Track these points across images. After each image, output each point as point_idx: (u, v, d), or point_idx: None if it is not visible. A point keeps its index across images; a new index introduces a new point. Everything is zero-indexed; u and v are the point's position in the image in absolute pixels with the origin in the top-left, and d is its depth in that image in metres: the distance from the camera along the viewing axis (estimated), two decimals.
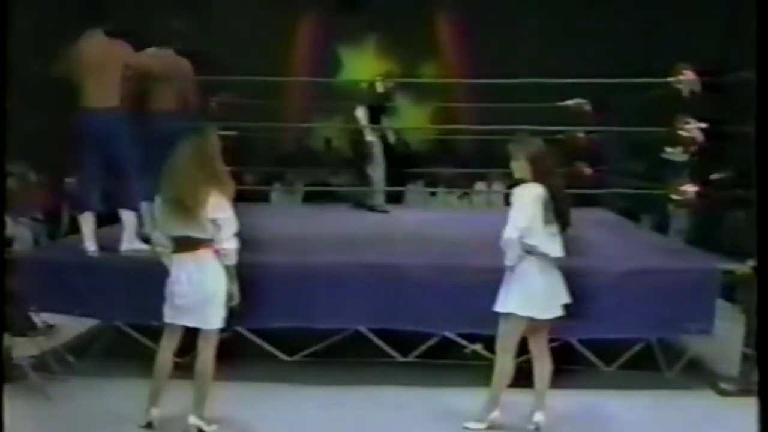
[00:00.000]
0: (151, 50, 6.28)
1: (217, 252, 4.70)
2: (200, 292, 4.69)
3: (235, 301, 4.81)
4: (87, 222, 6.03)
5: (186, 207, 4.64)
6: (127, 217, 6.01)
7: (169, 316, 4.79)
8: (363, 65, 12.65)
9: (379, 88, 8.98)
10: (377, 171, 8.83)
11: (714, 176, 7.10)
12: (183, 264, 4.71)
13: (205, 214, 4.64)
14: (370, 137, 8.77)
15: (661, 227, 9.34)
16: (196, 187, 4.64)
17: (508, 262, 4.78)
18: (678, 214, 9.15)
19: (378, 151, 8.82)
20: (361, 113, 8.73)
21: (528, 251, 4.74)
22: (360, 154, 8.98)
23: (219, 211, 4.67)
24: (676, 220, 9.24)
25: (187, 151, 4.73)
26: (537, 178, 4.78)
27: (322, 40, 12.85)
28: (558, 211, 4.76)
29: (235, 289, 4.79)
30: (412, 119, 12.45)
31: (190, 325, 4.76)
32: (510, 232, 4.71)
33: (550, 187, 4.76)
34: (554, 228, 4.78)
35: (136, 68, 6.05)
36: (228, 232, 4.70)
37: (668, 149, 9.14)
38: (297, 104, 12.09)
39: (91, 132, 5.91)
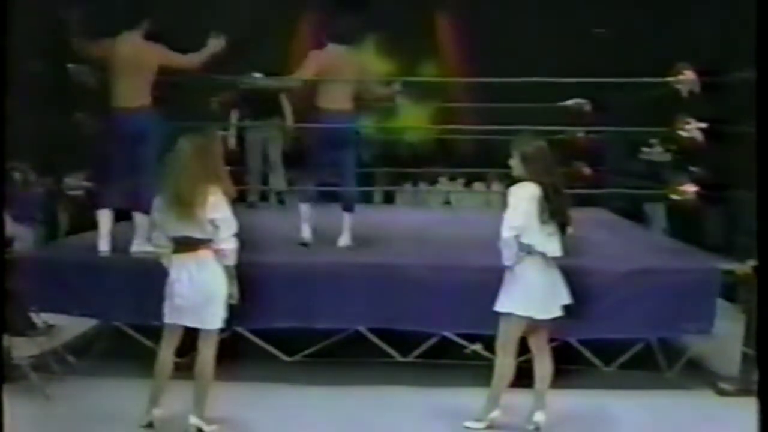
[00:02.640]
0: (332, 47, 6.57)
1: (216, 252, 4.71)
2: (200, 292, 4.69)
3: (235, 300, 4.82)
4: (104, 219, 6.02)
5: (185, 206, 4.63)
6: (140, 219, 5.98)
7: (169, 316, 4.79)
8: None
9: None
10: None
11: (693, 169, 7.07)
12: (184, 264, 4.71)
13: (204, 213, 4.64)
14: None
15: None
16: (195, 186, 4.63)
17: (505, 262, 4.78)
18: (655, 213, 9.13)
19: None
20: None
21: (526, 251, 4.75)
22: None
23: (217, 211, 4.67)
24: (656, 219, 9.21)
25: (188, 149, 4.71)
26: (532, 177, 4.79)
27: (321, 40, 12.83)
28: (554, 211, 4.76)
29: (235, 289, 4.79)
30: (412, 119, 12.42)
31: (190, 325, 4.77)
32: (505, 231, 4.72)
33: (545, 186, 4.76)
34: (551, 227, 4.78)
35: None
36: (226, 232, 4.70)
37: (644, 149, 9.14)
38: (297, 104, 12.06)
39: (122, 131, 5.92)
